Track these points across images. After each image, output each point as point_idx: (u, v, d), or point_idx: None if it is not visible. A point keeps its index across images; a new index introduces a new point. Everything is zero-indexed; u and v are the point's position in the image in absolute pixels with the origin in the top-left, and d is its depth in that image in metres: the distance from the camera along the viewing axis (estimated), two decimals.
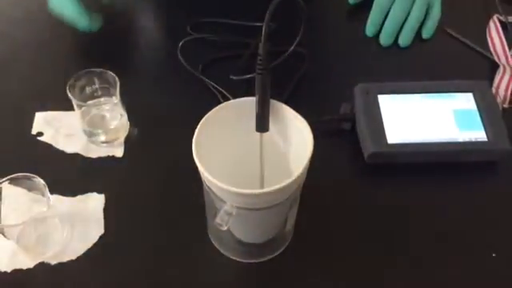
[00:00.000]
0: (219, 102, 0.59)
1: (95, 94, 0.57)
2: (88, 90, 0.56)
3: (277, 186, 0.38)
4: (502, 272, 0.48)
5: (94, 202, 0.52)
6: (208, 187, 0.42)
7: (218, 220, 0.41)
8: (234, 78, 0.61)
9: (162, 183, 0.54)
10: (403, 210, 0.52)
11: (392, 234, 0.51)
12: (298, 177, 0.39)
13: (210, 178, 0.39)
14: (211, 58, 0.64)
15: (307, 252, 0.50)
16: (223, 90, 0.60)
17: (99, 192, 0.53)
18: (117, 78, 0.55)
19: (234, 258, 0.49)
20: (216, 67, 0.64)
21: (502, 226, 0.52)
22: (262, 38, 0.40)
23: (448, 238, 0.51)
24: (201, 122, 0.42)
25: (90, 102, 0.56)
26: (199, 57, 0.64)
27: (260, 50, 0.40)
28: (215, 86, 0.61)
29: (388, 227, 0.51)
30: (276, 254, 0.49)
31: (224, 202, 0.41)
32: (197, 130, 0.42)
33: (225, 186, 0.38)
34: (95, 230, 0.50)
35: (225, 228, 0.41)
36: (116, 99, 0.55)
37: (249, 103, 0.43)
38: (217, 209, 0.43)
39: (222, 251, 0.49)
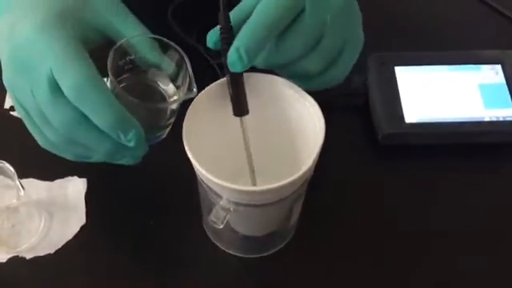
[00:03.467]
0: (216, 74, 0.53)
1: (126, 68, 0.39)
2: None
3: (280, 183, 0.33)
4: None
5: (75, 188, 0.46)
6: (201, 180, 0.36)
7: (212, 217, 0.35)
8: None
9: (152, 166, 0.48)
10: (422, 200, 0.47)
11: (409, 227, 0.45)
12: (306, 171, 0.33)
13: (203, 172, 0.33)
14: (208, 22, 0.57)
15: (311, 246, 0.45)
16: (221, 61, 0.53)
17: (80, 176, 0.47)
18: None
19: (231, 252, 0.44)
20: None
21: None
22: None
23: (473, 231, 0.45)
24: (190, 107, 0.36)
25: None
26: (194, 21, 0.57)
27: (220, 20, 0.34)
28: (212, 55, 0.54)
29: (404, 220, 0.46)
30: (278, 248, 0.44)
31: (219, 197, 0.35)
32: (186, 115, 0.36)
33: (220, 182, 0.33)
34: (76, 219, 0.45)
35: (220, 226, 0.35)
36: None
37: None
38: (212, 203, 0.37)
39: (218, 244, 0.44)
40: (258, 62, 0.35)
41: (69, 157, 0.39)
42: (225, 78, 0.38)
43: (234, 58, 0.33)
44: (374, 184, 0.48)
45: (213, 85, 0.37)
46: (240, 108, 0.36)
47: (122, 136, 0.34)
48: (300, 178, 0.33)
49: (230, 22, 0.34)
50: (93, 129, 0.34)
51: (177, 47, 0.37)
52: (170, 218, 0.45)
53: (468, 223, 0.46)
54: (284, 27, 0.34)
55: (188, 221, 0.45)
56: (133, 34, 0.38)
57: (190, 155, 0.34)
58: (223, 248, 0.44)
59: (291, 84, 0.37)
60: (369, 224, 0.45)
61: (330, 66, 0.36)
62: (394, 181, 0.48)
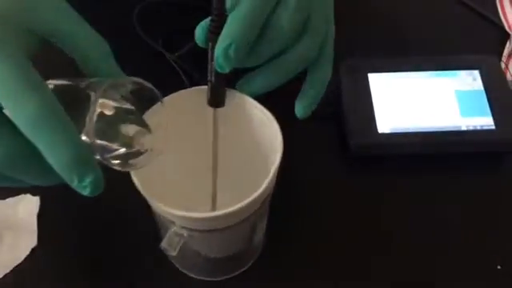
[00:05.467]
0: (182, 82, 0.50)
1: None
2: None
3: (236, 207, 0.30)
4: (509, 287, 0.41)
5: (27, 207, 0.43)
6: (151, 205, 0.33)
7: (164, 244, 0.33)
8: (176, 54, 0.51)
9: (109, 183, 0.45)
10: (396, 212, 0.44)
11: (387, 241, 0.43)
12: (263, 191, 0.31)
13: (150, 197, 0.30)
14: (175, 27, 0.54)
15: (281, 263, 0.42)
16: (189, 68, 0.51)
17: (33, 193, 0.44)
18: None
19: (193, 275, 0.41)
20: (181, 39, 0.52)
21: (509, 231, 0.44)
22: None
23: (448, 246, 0.43)
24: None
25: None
26: (160, 25, 0.54)
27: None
28: (179, 62, 0.51)
29: (382, 234, 0.43)
30: (244, 268, 0.41)
31: (172, 222, 0.33)
32: None
33: (168, 209, 0.30)
34: (26, 240, 0.42)
35: (174, 253, 0.33)
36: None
37: (195, 94, 0.34)
38: (165, 227, 0.34)
39: (179, 268, 0.41)
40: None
41: None
42: (181, 91, 0.35)
43: (221, 60, 0.31)
44: (347, 196, 0.45)
45: (174, 95, 0.35)
46: (217, 99, 0.34)
47: (75, 180, 0.28)
48: (257, 198, 0.31)
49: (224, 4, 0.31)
50: (36, 166, 0.28)
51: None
52: (128, 241, 0.42)
53: (443, 235, 0.44)
54: (268, 14, 0.32)
55: (148, 245, 0.42)
56: (86, 37, 0.32)
57: (134, 179, 0.31)
58: (185, 271, 0.41)
59: (248, 98, 0.34)
60: (342, 239, 0.43)
61: (322, 49, 0.35)
62: (368, 193, 0.46)
